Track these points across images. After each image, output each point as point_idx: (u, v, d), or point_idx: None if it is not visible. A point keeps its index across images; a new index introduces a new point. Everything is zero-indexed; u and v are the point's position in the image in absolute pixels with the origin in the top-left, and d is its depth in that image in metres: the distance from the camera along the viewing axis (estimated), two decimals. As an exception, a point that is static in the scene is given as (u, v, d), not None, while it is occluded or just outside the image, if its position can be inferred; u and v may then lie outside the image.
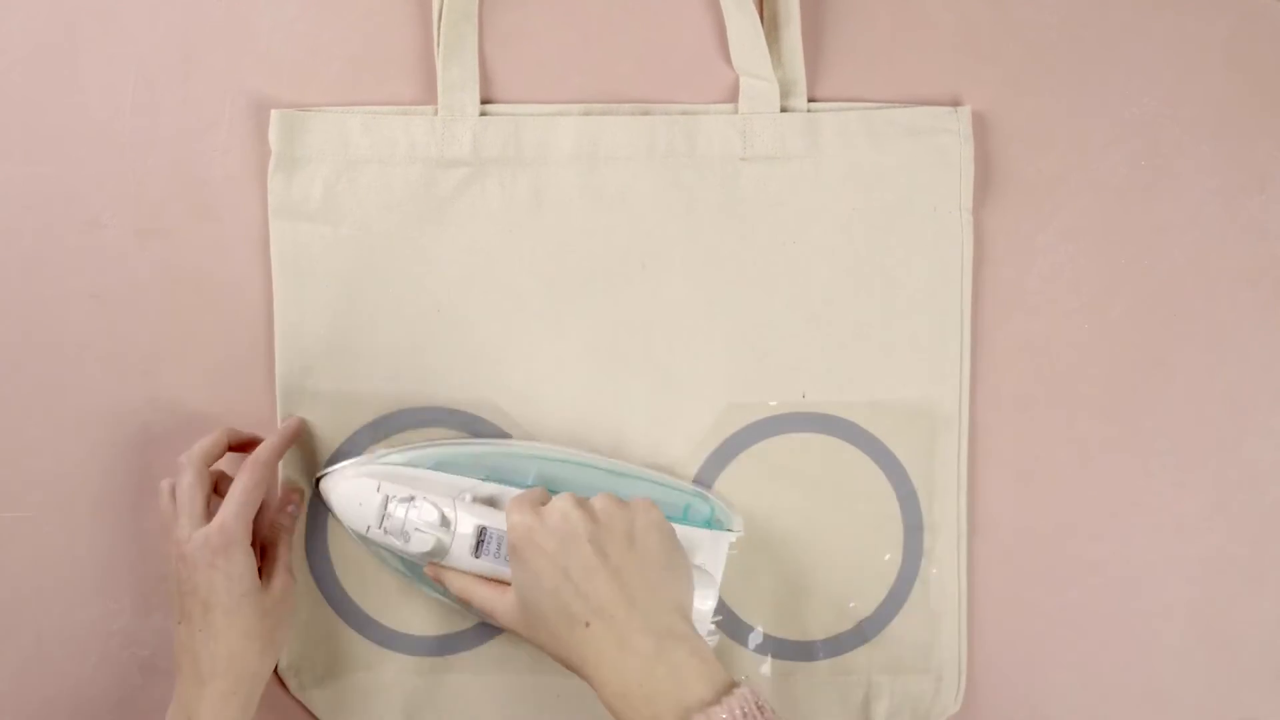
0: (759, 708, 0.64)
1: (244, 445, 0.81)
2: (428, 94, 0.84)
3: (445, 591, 0.79)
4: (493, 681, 0.85)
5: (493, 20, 0.84)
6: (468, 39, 0.83)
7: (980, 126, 0.85)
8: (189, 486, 0.77)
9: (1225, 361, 0.87)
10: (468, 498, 0.78)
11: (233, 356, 0.84)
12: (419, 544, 0.76)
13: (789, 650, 0.86)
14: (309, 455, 0.84)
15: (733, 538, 0.82)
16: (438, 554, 0.77)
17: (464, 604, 0.77)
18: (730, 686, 0.66)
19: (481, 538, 0.76)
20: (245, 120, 0.84)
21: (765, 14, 0.85)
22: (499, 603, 0.74)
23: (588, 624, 0.69)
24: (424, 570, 0.79)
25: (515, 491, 0.78)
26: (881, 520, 0.85)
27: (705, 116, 0.84)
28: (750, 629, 0.86)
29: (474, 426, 0.84)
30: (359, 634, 0.85)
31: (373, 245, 0.83)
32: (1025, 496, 0.87)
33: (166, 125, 0.84)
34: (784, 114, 0.84)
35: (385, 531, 0.78)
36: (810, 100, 0.85)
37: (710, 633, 0.78)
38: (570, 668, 0.70)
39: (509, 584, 0.74)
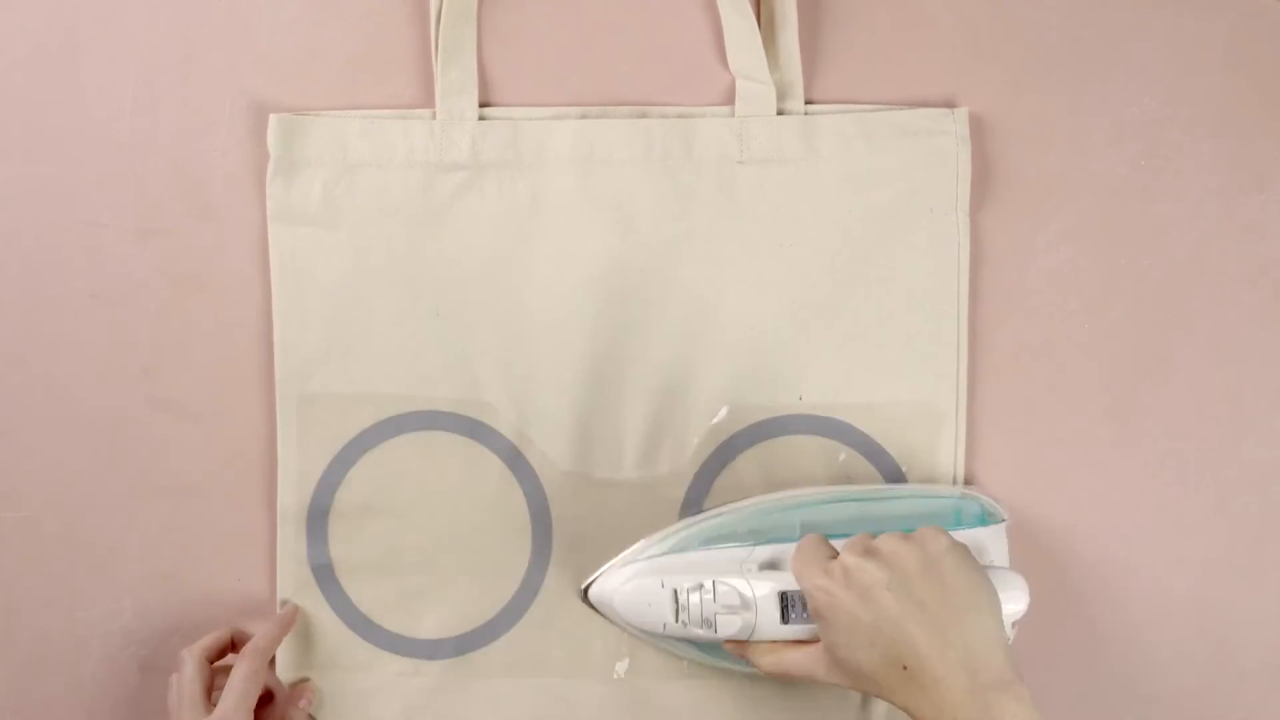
0: None
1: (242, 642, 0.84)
2: (426, 97, 0.85)
3: (748, 664, 0.79)
4: (493, 685, 0.86)
5: (491, 22, 0.85)
6: (466, 42, 0.84)
7: (980, 127, 0.86)
8: (190, 679, 0.79)
9: (1225, 361, 0.87)
10: (754, 568, 0.78)
11: (232, 357, 0.85)
12: (726, 628, 0.77)
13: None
14: (309, 466, 0.85)
15: (1007, 521, 0.84)
16: (745, 633, 0.77)
17: (775, 676, 0.78)
18: None
19: (785, 604, 0.76)
20: (244, 121, 0.84)
21: (762, 16, 0.85)
22: (815, 665, 0.74)
23: (905, 667, 0.69)
24: (726, 649, 0.79)
25: (790, 547, 0.78)
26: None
27: (702, 119, 0.85)
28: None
29: (473, 430, 0.85)
30: (361, 637, 0.86)
31: (371, 249, 0.84)
32: (1024, 497, 0.88)
33: (166, 126, 0.85)
34: (781, 116, 0.85)
35: (684, 625, 0.78)
36: (807, 102, 0.85)
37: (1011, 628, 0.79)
38: (894, 705, 0.70)
39: (815, 640, 0.75)
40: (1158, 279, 0.87)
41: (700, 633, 0.78)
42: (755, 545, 0.80)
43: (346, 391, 0.84)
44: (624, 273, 0.84)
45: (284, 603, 0.85)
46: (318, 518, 0.85)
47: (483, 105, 0.85)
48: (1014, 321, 0.87)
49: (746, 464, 0.86)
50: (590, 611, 0.85)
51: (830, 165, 0.84)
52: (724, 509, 0.83)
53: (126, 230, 0.85)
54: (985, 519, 0.83)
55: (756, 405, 0.85)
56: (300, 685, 0.85)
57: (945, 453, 0.86)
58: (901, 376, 0.85)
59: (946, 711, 0.67)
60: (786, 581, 0.76)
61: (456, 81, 0.84)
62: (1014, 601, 0.77)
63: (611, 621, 0.83)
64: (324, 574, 0.86)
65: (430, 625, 0.86)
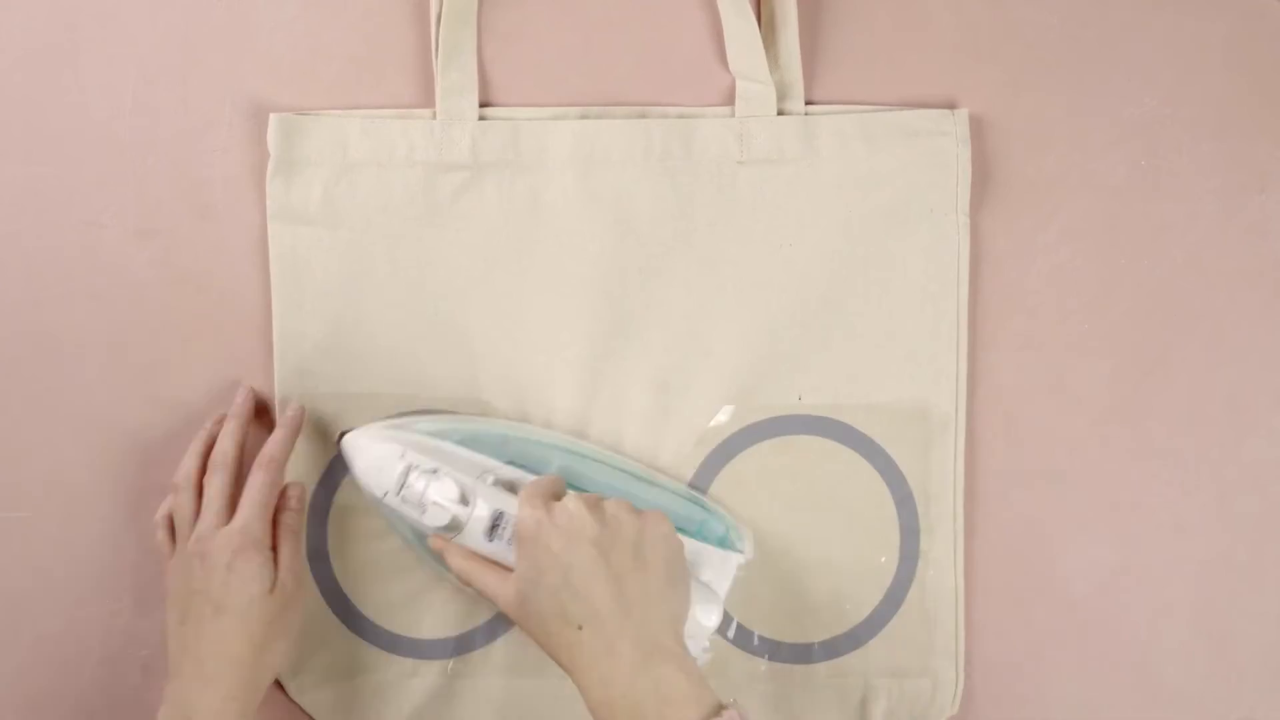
0: None
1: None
2: (426, 96, 0.85)
3: (445, 567, 0.79)
4: (494, 685, 0.87)
5: (491, 23, 0.85)
6: (466, 42, 0.84)
7: (980, 127, 0.86)
8: (222, 485, 0.79)
9: (1225, 361, 0.88)
10: (490, 479, 0.79)
11: (232, 357, 0.85)
12: (435, 518, 0.77)
13: (786, 653, 0.87)
14: (308, 466, 0.85)
15: (742, 559, 0.84)
16: (452, 530, 0.77)
17: (464, 583, 0.78)
18: (718, 709, 0.68)
19: (497, 522, 0.76)
20: (244, 121, 0.85)
21: (762, 17, 0.86)
22: (500, 589, 0.75)
23: (580, 627, 0.70)
24: (429, 542, 0.79)
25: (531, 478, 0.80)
26: (878, 523, 0.87)
27: (702, 120, 0.85)
28: (748, 632, 0.87)
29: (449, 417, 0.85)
30: (359, 637, 0.86)
31: (371, 249, 0.84)
32: (1024, 497, 0.88)
33: (166, 126, 0.85)
34: (781, 117, 0.85)
35: (403, 500, 0.78)
36: (807, 103, 0.86)
37: (705, 650, 0.79)
38: (560, 666, 0.72)
39: (511, 570, 0.75)
40: (1158, 279, 0.88)
41: (411, 512, 0.78)
42: (505, 463, 0.81)
43: (346, 391, 0.85)
44: (623, 272, 0.85)
45: (284, 401, 0.85)
46: (317, 518, 0.86)
47: (483, 105, 0.85)
48: (1014, 321, 0.88)
49: (746, 464, 0.86)
50: None
51: (830, 166, 0.85)
52: (499, 422, 0.85)
53: (126, 230, 0.85)
54: (723, 543, 0.84)
55: (756, 405, 0.86)
56: (292, 488, 0.83)
57: (945, 453, 0.87)
58: (901, 377, 0.86)
59: (614, 685, 0.68)
60: (510, 505, 0.77)
61: (456, 81, 0.84)
62: (709, 615, 0.79)
63: (352, 476, 0.82)
64: (323, 574, 0.86)
65: (430, 625, 0.86)
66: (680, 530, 0.80)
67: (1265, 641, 0.90)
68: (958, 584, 0.87)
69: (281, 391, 0.85)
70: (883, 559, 0.87)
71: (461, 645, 0.87)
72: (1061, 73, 0.87)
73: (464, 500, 0.77)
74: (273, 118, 0.83)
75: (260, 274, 0.85)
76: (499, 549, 0.76)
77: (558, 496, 0.76)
